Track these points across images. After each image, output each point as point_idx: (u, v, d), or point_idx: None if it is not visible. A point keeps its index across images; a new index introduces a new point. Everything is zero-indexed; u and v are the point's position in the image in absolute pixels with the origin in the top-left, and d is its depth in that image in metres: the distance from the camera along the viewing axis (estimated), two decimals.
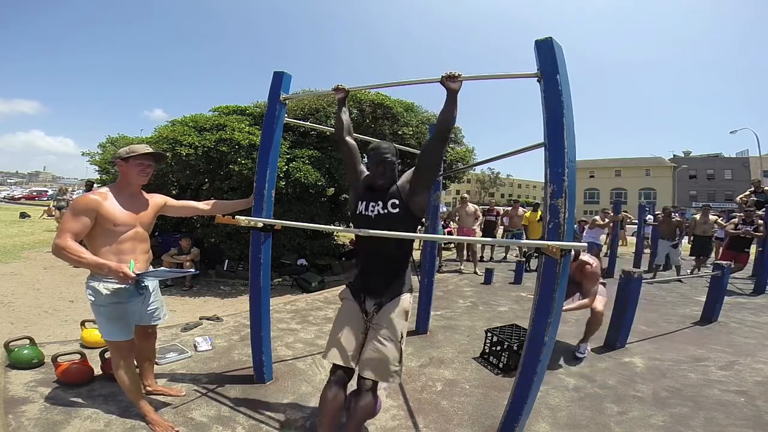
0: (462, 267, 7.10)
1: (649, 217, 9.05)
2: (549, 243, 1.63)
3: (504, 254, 9.10)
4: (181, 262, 5.95)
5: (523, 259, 6.92)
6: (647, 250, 8.59)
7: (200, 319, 3.74)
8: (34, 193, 31.46)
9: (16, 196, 30.75)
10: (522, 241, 5.30)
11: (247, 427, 2.05)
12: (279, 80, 2.34)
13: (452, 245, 8.96)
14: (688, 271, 7.13)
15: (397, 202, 1.75)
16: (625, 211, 9.50)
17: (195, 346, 3.01)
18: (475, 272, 6.66)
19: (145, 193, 2.09)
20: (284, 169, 5.85)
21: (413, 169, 1.80)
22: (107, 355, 2.39)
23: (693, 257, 7.38)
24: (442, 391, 2.52)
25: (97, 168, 9.09)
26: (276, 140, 2.37)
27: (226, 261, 6.69)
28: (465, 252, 7.55)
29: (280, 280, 6.48)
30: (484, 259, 8.40)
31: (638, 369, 2.95)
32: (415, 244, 3.17)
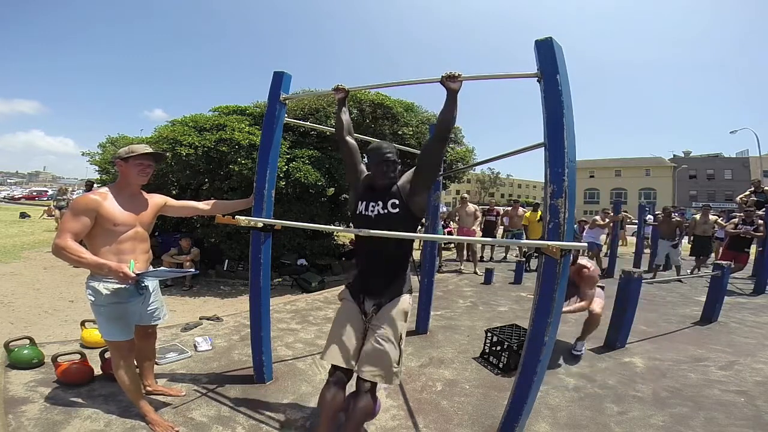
0: (462, 267, 7.10)
1: (649, 217, 9.05)
2: (549, 243, 1.63)
3: (504, 254, 9.10)
4: (181, 262, 5.95)
5: (523, 259, 6.92)
6: (647, 250, 8.60)
7: (200, 319, 3.74)
8: (34, 193, 31.45)
9: (16, 196, 30.74)
10: (522, 241, 5.30)
11: (247, 427, 2.05)
12: (279, 80, 2.34)
13: (452, 245, 8.96)
14: (688, 271, 7.13)
15: (397, 202, 1.74)
16: (625, 211, 9.50)
17: (195, 346, 3.01)
18: (475, 272, 6.66)
19: (145, 193, 2.09)
20: (284, 169, 5.85)
21: (413, 169, 1.80)
22: (107, 355, 2.40)
23: (693, 257, 7.38)
24: (442, 391, 2.52)
25: (97, 168, 9.09)
26: (276, 140, 2.37)
27: (226, 261, 6.69)
28: (465, 252, 7.55)
29: (280, 280, 6.47)
30: (484, 259, 8.40)
31: (638, 369, 2.95)
32: (415, 244, 3.18)
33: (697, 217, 7.42)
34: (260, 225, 2.30)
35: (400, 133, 6.95)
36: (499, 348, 2.98)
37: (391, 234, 1.67)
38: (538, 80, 1.71)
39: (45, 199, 26.38)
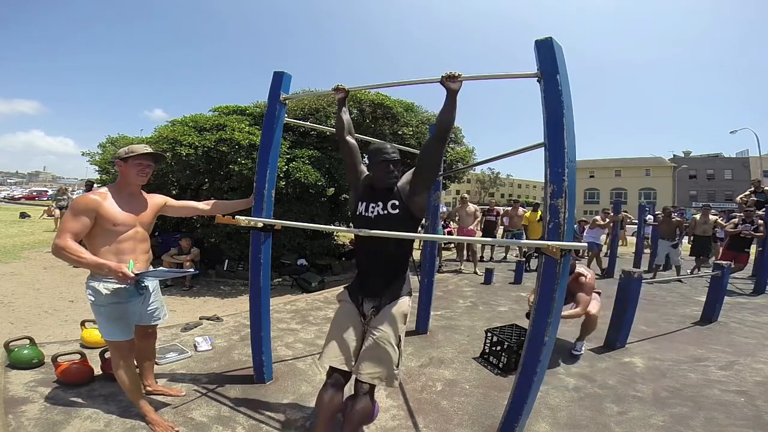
0: (462, 267, 7.10)
1: (649, 217, 9.05)
2: (549, 243, 1.63)
3: (504, 254, 9.10)
4: (181, 262, 5.95)
5: (523, 259, 6.92)
6: (647, 250, 8.60)
7: (200, 319, 3.74)
8: (34, 193, 31.44)
9: (16, 196, 30.74)
10: (522, 241, 5.30)
11: (247, 427, 2.05)
12: (279, 80, 2.34)
13: (452, 245, 8.96)
14: (688, 271, 7.13)
15: (396, 203, 1.74)
16: (625, 211, 9.50)
17: (195, 346, 3.01)
18: (475, 272, 6.66)
19: (144, 193, 2.09)
20: (284, 169, 5.85)
21: (413, 169, 1.80)
22: (107, 355, 2.40)
23: (693, 257, 7.38)
24: (442, 391, 2.52)
25: (97, 168, 9.08)
26: (276, 140, 2.37)
27: (226, 261, 6.69)
28: (465, 252, 7.55)
29: (280, 280, 6.47)
30: (484, 259, 8.40)
31: (638, 369, 2.95)
32: (415, 244, 3.18)
33: (697, 217, 7.42)
34: (260, 225, 2.30)
35: (400, 133, 6.95)
36: (499, 348, 2.98)
37: (391, 234, 1.67)
38: (538, 80, 1.71)
39: (45, 199, 26.37)
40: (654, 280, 5.86)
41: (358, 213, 1.81)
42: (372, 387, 1.69)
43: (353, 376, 1.71)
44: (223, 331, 3.46)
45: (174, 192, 6.62)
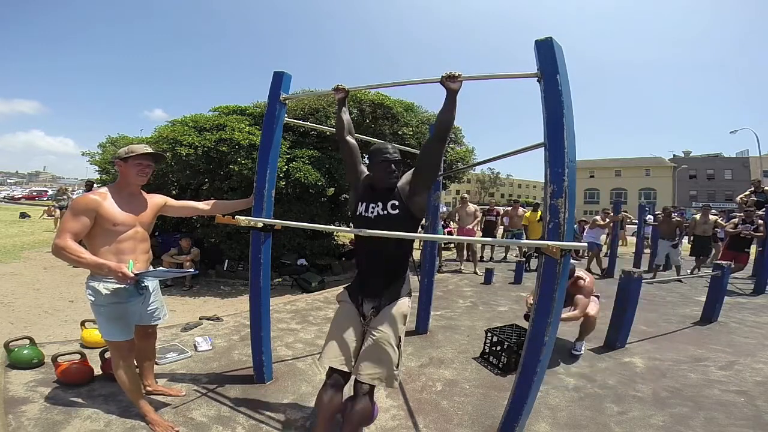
0: (462, 267, 7.10)
1: (649, 217, 9.05)
2: (549, 243, 1.63)
3: (504, 254, 9.10)
4: (181, 262, 5.95)
5: (523, 259, 6.92)
6: (647, 250, 8.60)
7: (200, 319, 3.74)
8: (34, 193, 31.45)
9: (16, 196, 30.74)
10: (522, 241, 5.30)
11: (247, 427, 2.05)
12: (279, 80, 2.34)
13: (452, 245, 8.96)
14: (688, 271, 7.13)
15: (396, 203, 1.74)
16: (625, 211, 9.50)
17: (195, 346, 3.01)
18: (475, 272, 6.66)
19: (144, 193, 2.09)
20: (284, 169, 5.84)
21: (413, 170, 1.80)
22: (107, 355, 2.40)
23: (693, 257, 7.38)
24: (442, 391, 2.52)
25: (97, 168, 9.08)
26: (276, 140, 2.37)
27: (226, 261, 6.69)
28: (465, 252, 7.55)
29: (280, 280, 6.47)
30: (484, 259, 8.40)
31: (638, 369, 2.95)
32: (415, 244, 3.18)
33: (697, 217, 7.42)
34: (260, 225, 2.30)
35: (400, 133, 6.95)
36: (499, 348, 2.98)
37: (391, 234, 1.67)
38: (538, 80, 1.70)
39: (45, 199, 26.38)
40: (654, 280, 5.86)
41: (358, 213, 1.81)
42: (372, 387, 1.68)
43: (353, 377, 1.71)
44: (223, 331, 3.46)
45: (174, 192, 6.62)
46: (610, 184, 43.28)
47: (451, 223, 8.48)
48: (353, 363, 1.71)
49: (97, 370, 2.47)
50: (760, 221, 6.10)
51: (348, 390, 1.73)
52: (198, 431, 2.00)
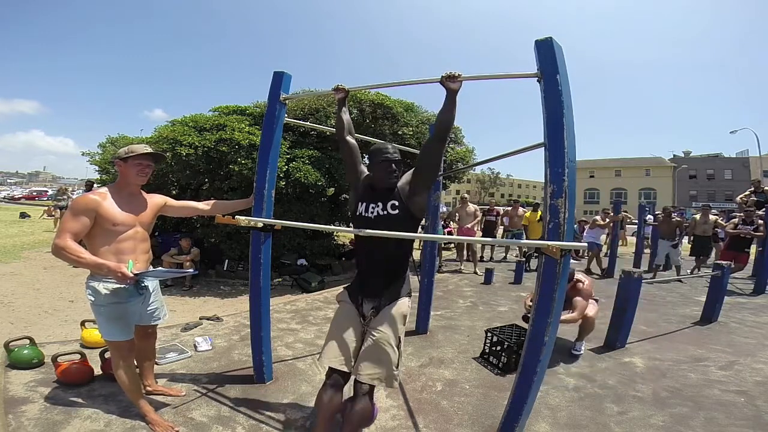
0: (462, 267, 7.10)
1: (649, 217, 9.05)
2: (549, 243, 1.63)
3: (504, 254, 9.10)
4: (181, 262, 5.95)
5: (523, 259, 6.92)
6: (647, 250, 8.60)
7: (200, 319, 3.74)
8: (34, 193, 31.45)
9: (16, 196, 30.74)
10: (522, 241, 5.30)
11: (247, 427, 2.05)
12: (279, 80, 2.34)
13: (452, 245, 8.96)
14: (688, 271, 7.13)
15: (396, 203, 1.74)
16: (625, 211, 9.50)
17: (195, 346, 3.01)
18: (475, 272, 6.66)
19: (144, 193, 2.09)
20: (284, 169, 5.85)
21: (413, 170, 1.80)
22: (107, 355, 2.40)
23: (693, 257, 7.38)
24: (442, 391, 2.51)
25: (97, 168, 9.08)
26: (276, 140, 2.37)
27: (226, 261, 6.69)
28: (465, 252, 7.55)
29: (280, 280, 6.47)
30: (484, 259, 8.40)
31: (638, 369, 2.95)
32: (415, 244, 3.18)
33: (697, 217, 7.42)
34: (260, 225, 2.30)
35: (400, 133, 6.95)
36: (499, 348, 2.98)
37: (391, 234, 1.67)
38: (538, 80, 1.70)
39: (45, 199, 26.37)
40: (654, 280, 5.86)
41: (358, 213, 1.81)
42: (371, 388, 1.68)
43: (353, 377, 1.71)
44: (223, 331, 3.46)
45: (174, 192, 6.62)
46: (610, 184, 43.28)
47: (451, 223, 8.48)
48: (353, 363, 1.71)
49: (97, 370, 2.47)
50: (760, 221, 6.10)
51: (348, 390, 1.73)
52: (198, 431, 2.00)
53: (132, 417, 2.04)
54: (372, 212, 1.77)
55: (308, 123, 5.62)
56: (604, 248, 8.92)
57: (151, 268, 2.01)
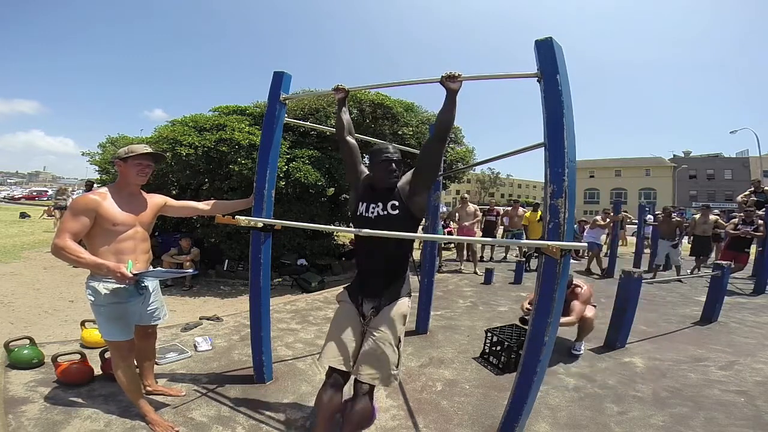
0: (462, 267, 7.10)
1: (649, 217, 9.05)
2: (549, 243, 1.63)
3: (504, 254, 9.09)
4: (181, 262, 5.95)
5: (523, 259, 6.92)
6: (647, 250, 8.60)
7: (200, 319, 3.74)
8: (34, 193, 31.46)
9: (16, 196, 30.74)
10: (522, 241, 5.30)
11: (247, 427, 2.05)
12: (279, 80, 2.34)
13: (452, 245, 8.96)
14: (688, 271, 7.13)
15: (396, 203, 1.74)
16: (625, 211, 9.50)
17: (195, 346, 3.01)
18: (475, 272, 6.66)
19: (144, 193, 2.09)
20: (284, 169, 5.85)
21: (413, 170, 1.80)
22: (107, 355, 2.40)
23: (693, 257, 7.38)
24: (442, 391, 2.51)
25: (97, 168, 9.07)
26: (276, 140, 2.37)
27: (226, 261, 6.69)
28: (465, 252, 7.55)
29: (280, 280, 6.47)
30: (484, 259, 8.40)
31: (638, 369, 2.95)
32: (415, 244, 3.18)
33: (697, 217, 7.42)
34: (260, 225, 2.30)
35: (400, 133, 6.95)
36: (499, 348, 2.98)
37: (391, 234, 1.67)
38: (538, 80, 1.70)
39: (45, 199, 26.37)
40: (654, 280, 5.86)
41: (358, 213, 1.81)
42: (371, 387, 1.68)
43: (353, 377, 1.71)
44: (223, 331, 3.46)
45: (174, 192, 6.62)
46: (610, 184, 43.29)
47: (451, 223, 8.48)
48: (353, 363, 1.71)
49: (97, 370, 2.47)
50: (760, 221, 6.10)
51: (348, 390, 1.73)
52: (198, 431, 2.00)
53: (132, 417, 2.04)
54: (372, 212, 1.76)
55: (308, 123, 5.62)
56: (604, 248, 8.92)
57: (151, 268, 2.01)
